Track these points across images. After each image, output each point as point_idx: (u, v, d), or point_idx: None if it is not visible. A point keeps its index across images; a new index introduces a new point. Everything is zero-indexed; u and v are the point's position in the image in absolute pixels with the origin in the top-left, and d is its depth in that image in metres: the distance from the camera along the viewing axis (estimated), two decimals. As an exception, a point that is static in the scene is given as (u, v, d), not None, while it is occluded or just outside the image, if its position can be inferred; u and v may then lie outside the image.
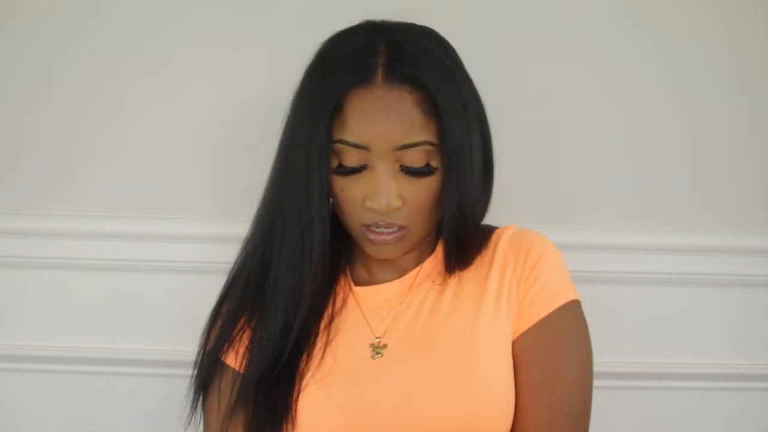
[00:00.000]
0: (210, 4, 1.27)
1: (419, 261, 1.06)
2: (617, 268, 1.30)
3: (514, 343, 0.99)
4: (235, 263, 1.06)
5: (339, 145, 0.93)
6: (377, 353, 1.00)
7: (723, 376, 1.34)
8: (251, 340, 1.01)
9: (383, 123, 0.92)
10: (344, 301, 1.04)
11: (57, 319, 1.33)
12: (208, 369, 1.03)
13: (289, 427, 0.97)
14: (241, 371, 1.01)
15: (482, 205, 1.02)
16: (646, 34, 1.27)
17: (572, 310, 1.00)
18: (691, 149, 1.30)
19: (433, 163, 0.94)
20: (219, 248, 1.27)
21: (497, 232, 1.06)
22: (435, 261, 1.05)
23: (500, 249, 1.03)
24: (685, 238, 1.31)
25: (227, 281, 1.07)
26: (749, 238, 1.31)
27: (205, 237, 1.29)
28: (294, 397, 0.97)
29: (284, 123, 1.00)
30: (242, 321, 1.02)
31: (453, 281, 1.03)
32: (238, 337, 1.02)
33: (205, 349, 1.05)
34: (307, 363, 0.99)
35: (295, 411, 0.97)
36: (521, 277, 1.01)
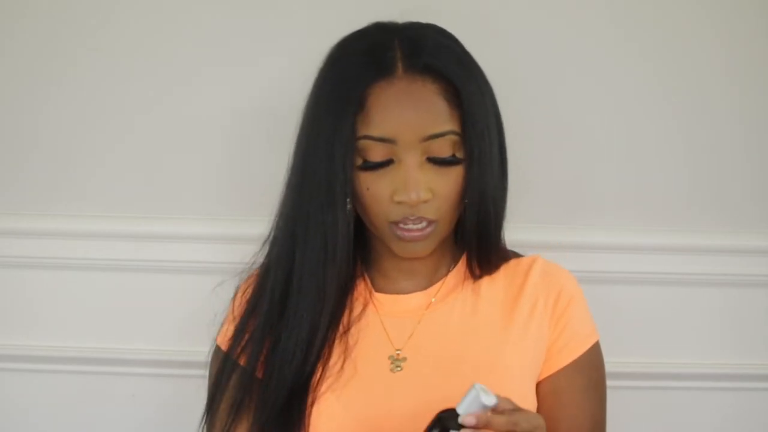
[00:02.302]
0: (210, 4, 1.27)
1: (442, 273, 1.05)
2: (617, 268, 1.30)
3: (543, 383, 1.00)
4: (260, 268, 1.05)
5: (364, 142, 0.92)
6: (397, 366, 0.98)
7: (723, 376, 1.34)
8: (274, 349, 0.98)
9: (409, 114, 0.91)
10: (364, 307, 1.02)
11: (57, 319, 1.33)
12: (243, 387, 1.00)
13: None
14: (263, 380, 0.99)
15: (502, 199, 1.01)
16: (646, 34, 1.27)
17: (596, 351, 1.03)
18: (692, 149, 1.30)
19: (458, 154, 0.94)
20: (219, 248, 1.27)
21: (526, 259, 1.06)
22: (459, 275, 1.04)
23: (531, 280, 1.03)
24: (685, 238, 1.30)
25: (255, 290, 1.04)
26: (749, 238, 1.31)
27: (205, 237, 1.29)
28: (308, 406, 0.96)
29: (300, 126, 0.99)
30: (269, 338, 0.99)
31: (481, 301, 1.02)
32: (263, 352, 1.00)
33: (230, 366, 1.01)
34: (323, 372, 0.97)
35: (308, 421, 0.95)
36: (552, 318, 1.01)
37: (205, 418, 1.02)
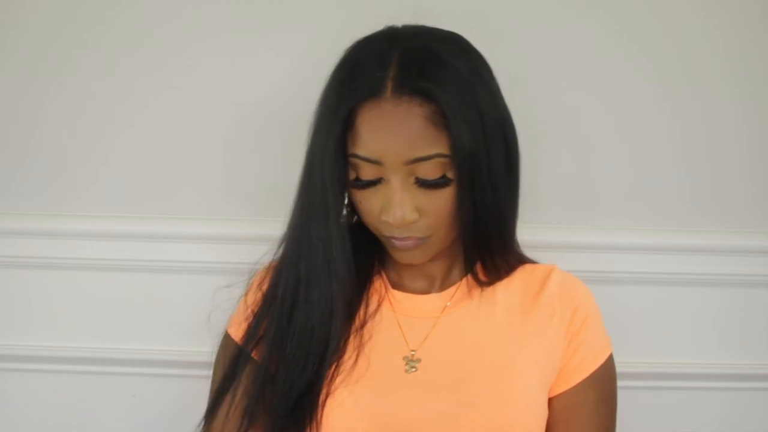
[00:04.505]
0: (212, 3, 1.27)
1: (457, 277, 1.05)
2: (618, 268, 1.30)
3: (558, 398, 1.00)
4: (276, 262, 1.04)
5: (354, 159, 0.93)
6: (411, 367, 0.98)
7: (723, 376, 1.34)
8: (285, 355, 0.98)
9: (393, 138, 0.90)
10: (379, 304, 1.03)
11: (57, 319, 1.33)
12: (258, 386, 1.00)
13: (312, 429, 0.96)
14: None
15: (507, 211, 1.00)
16: (647, 34, 1.27)
17: (610, 364, 1.04)
18: (692, 149, 1.30)
19: (449, 175, 0.93)
20: (220, 248, 1.28)
21: (542, 267, 1.07)
22: (474, 279, 1.04)
23: (549, 290, 1.03)
24: (685, 238, 1.31)
25: (270, 288, 1.03)
26: (749, 238, 1.31)
27: (206, 237, 1.29)
28: (321, 400, 0.96)
29: (310, 132, 0.98)
30: (280, 343, 1.00)
31: (496, 305, 1.02)
32: (276, 353, 1.00)
33: (244, 358, 1.01)
34: (337, 366, 0.98)
35: (321, 414, 0.96)
36: (567, 334, 1.02)
37: (210, 406, 1.01)
